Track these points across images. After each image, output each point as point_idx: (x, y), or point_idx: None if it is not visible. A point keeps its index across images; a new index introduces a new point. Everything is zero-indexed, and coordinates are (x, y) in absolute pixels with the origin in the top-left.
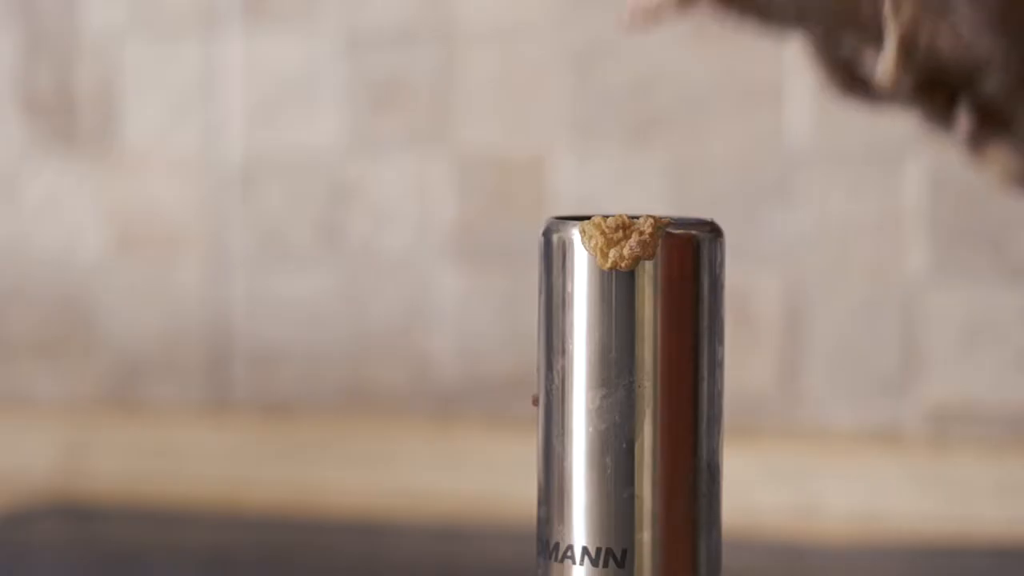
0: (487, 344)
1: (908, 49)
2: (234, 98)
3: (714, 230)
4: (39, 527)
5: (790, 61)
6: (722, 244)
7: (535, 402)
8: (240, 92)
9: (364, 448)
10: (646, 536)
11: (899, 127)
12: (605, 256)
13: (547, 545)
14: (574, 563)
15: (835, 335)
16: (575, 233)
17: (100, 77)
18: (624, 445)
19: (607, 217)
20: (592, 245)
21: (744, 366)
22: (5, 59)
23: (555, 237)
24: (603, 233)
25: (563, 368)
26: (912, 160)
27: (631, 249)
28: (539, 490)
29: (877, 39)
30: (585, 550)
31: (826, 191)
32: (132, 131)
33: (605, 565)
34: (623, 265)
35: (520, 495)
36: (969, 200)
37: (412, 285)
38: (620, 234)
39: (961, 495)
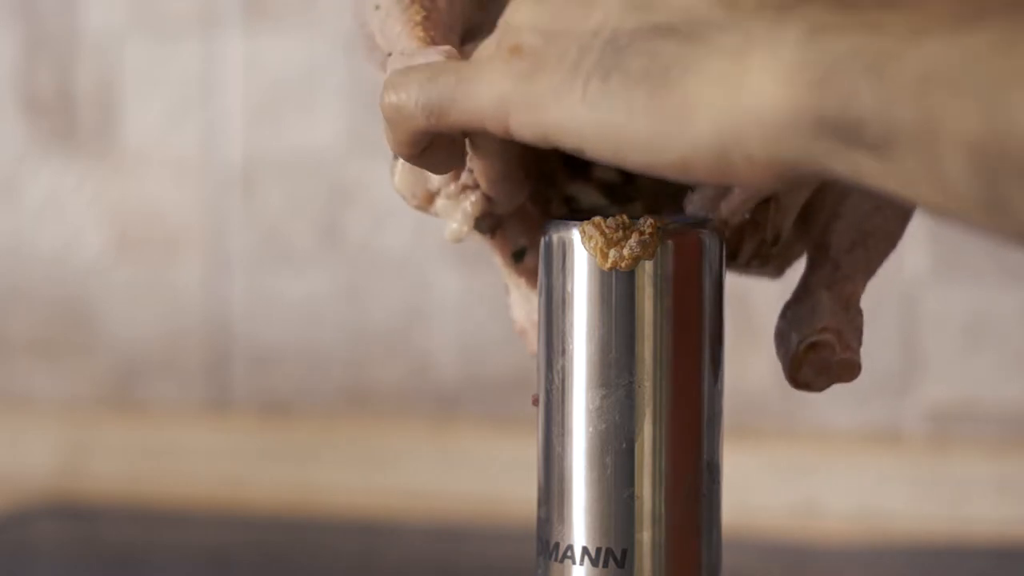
0: (487, 344)
1: None
2: (234, 98)
3: (714, 230)
4: (39, 527)
5: None
6: (722, 244)
7: (535, 402)
8: (240, 92)
9: (364, 448)
10: (646, 536)
11: None
12: (605, 256)
13: (547, 545)
14: (574, 563)
15: None
16: (575, 233)
17: (100, 77)
18: (624, 445)
19: (607, 217)
20: (592, 245)
21: (744, 366)
22: (5, 59)
23: (555, 237)
24: (603, 233)
25: (563, 368)
26: None
27: (631, 249)
28: (539, 490)
29: None
30: (585, 550)
31: None
32: (132, 131)
33: (605, 565)
34: (623, 265)
35: (520, 495)
36: None
37: (412, 285)
38: (620, 234)
39: (961, 495)
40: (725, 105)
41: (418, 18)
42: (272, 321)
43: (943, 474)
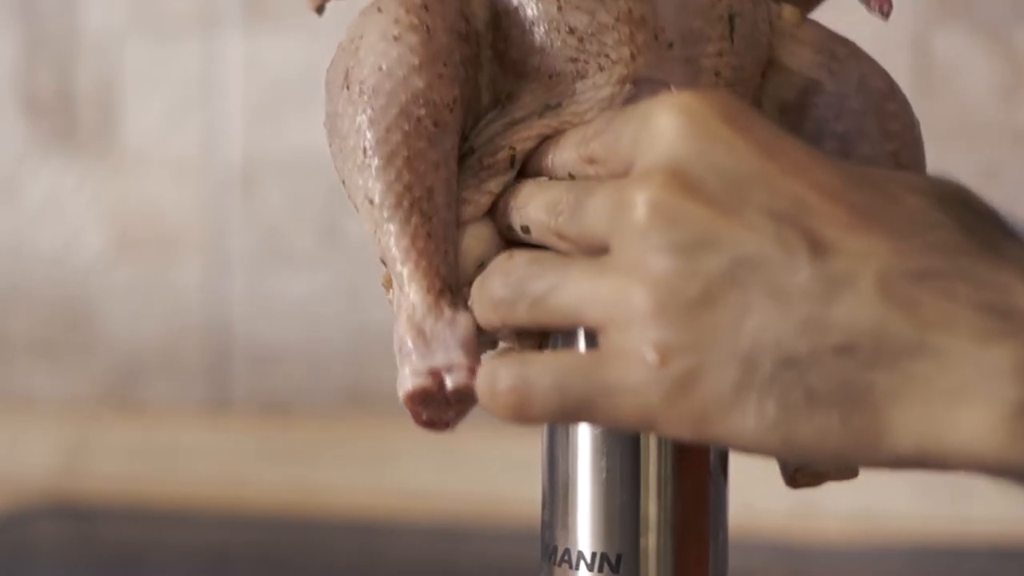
0: None
1: None
2: (234, 98)
3: None
4: (39, 527)
5: None
6: None
7: None
8: (240, 92)
9: (364, 448)
10: (651, 542)
11: None
12: None
13: (548, 549)
14: (571, 567)
15: None
16: None
17: (100, 77)
18: (627, 449)
19: None
20: None
21: None
22: (5, 59)
23: None
24: None
25: None
26: None
27: None
28: (543, 493)
29: None
30: (580, 554)
31: None
32: (132, 131)
33: (600, 570)
34: None
35: (520, 495)
36: None
37: None
38: None
39: (961, 495)
40: (932, 435)
41: (421, 243)
42: (272, 321)
43: (943, 474)
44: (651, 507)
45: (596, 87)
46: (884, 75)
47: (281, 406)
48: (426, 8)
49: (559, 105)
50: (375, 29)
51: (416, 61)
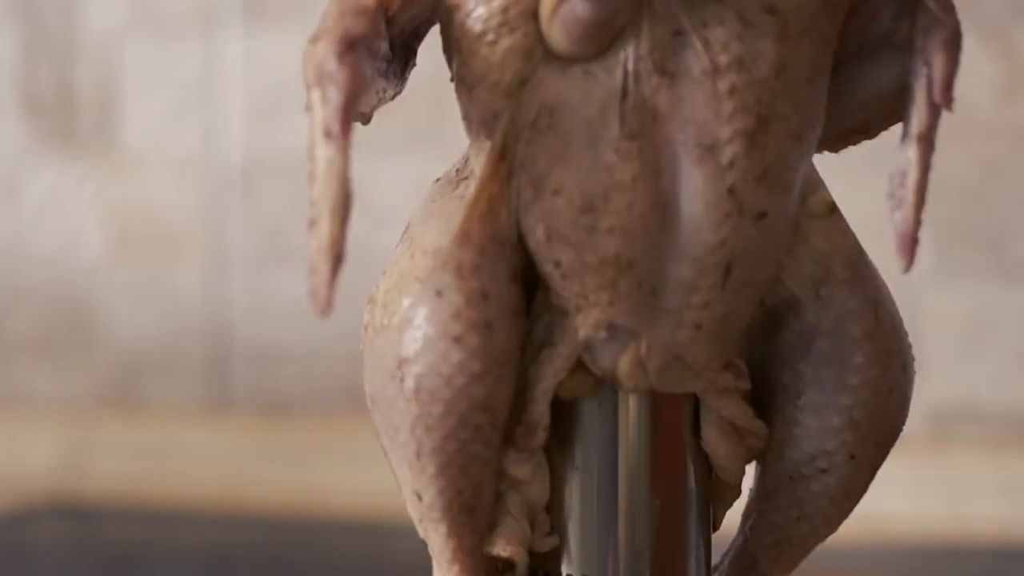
0: None
1: None
2: (234, 98)
3: None
4: (39, 527)
5: None
6: None
7: None
8: (240, 92)
9: (364, 448)
10: (621, 563)
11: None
12: None
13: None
14: None
15: None
16: None
17: (100, 77)
18: (602, 462)
19: None
20: None
21: None
22: (5, 59)
23: None
24: None
25: None
26: None
27: None
28: None
29: None
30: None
31: None
32: (132, 131)
33: None
34: None
35: None
36: (969, 200)
37: None
38: None
39: (961, 495)
40: None
41: (468, 542)
42: (272, 321)
43: (943, 474)
44: (621, 526)
45: (574, 329)
46: (868, 317)
47: (281, 406)
48: (485, 297)
49: (554, 344)
50: (436, 320)
51: (478, 368)
